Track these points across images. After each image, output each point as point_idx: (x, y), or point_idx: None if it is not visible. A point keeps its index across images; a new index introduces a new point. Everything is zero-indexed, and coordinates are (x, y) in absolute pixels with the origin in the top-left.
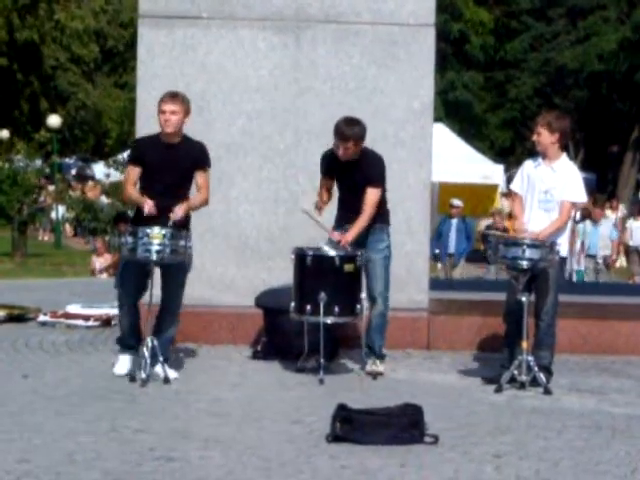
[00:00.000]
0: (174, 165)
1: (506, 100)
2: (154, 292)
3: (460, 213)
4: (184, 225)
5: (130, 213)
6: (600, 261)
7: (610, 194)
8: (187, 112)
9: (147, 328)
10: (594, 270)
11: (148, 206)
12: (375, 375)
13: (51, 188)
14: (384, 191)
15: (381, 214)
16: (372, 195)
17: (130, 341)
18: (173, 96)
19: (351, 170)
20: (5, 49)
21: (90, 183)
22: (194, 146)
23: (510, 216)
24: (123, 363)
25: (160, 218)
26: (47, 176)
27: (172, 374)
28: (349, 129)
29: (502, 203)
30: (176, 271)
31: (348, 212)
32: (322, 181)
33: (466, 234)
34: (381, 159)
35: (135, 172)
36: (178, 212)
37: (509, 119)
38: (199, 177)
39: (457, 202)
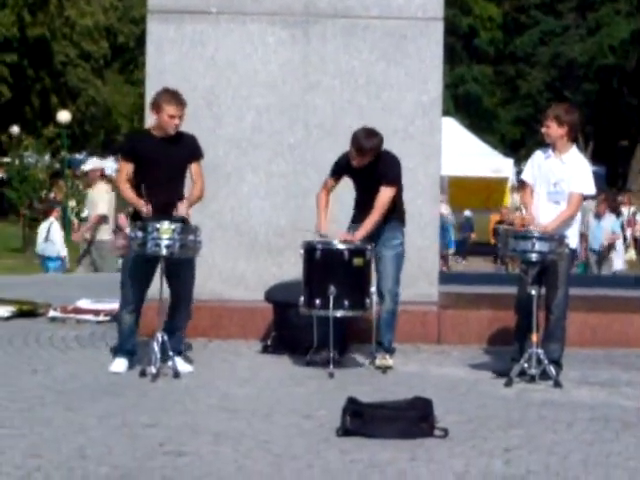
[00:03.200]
0: (169, 159)
1: (517, 96)
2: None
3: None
4: (184, 219)
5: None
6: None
7: (620, 188)
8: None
9: (158, 323)
10: (596, 263)
11: (146, 209)
12: (385, 369)
13: (61, 183)
14: (400, 191)
15: (396, 212)
16: (385, 194)
17: (129, 345)
18: (180, 101)
19: (368, 171)
20: (15, 45)
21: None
22: (187, 138)
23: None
24: (119, 363)
25: (160, 213)
26: (57, 172)
27: (187, 368)
28: (367, 142)
29: (512, 197)
30: (185, 266)
31: (363, 211)
32: (328, 181)
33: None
34: (397, 159)
35: (129, 168)
36: (182, 209)
37: (521, 116)
38: (194, 168)
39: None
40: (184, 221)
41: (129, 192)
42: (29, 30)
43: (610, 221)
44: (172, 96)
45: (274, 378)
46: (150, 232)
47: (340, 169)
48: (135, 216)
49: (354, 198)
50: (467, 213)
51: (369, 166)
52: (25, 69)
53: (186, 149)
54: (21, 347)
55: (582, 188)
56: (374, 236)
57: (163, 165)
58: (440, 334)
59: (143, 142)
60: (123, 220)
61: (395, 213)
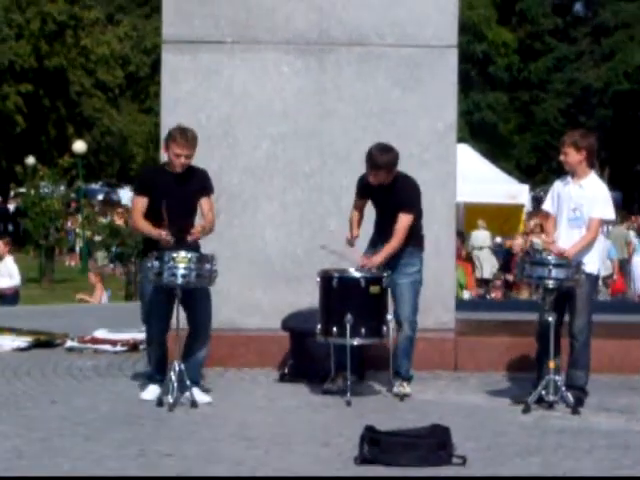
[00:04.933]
0: (181, 194)
1: (532, 122)
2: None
3: None
4: (195, 248)
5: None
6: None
7: (637, 213)
8: (195, 148)
9: (175, 352)
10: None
11: (165, 238)
12: (402, 397)
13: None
14: (419, 217)
15: (414, 238)
16: (403, 220)
17: (158, 376)
18: (187, 139)
19: (385, 194)
20: (31, 75)
21: (119, 210)
22: (198, 173)
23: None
24: (151, 390)
25: (172, 246)
26: (72, 201)
27: (205, 398)
28: (381, 157)
29: (528, 223)
30: (202, 295)
31: (382, 235)
32: (356, 201)
33: None
34: (416, 185)
35: (143, 202)
36: (196, 233)
37: (537, 143)
38: (204, 203)
39: None
40: (195, 246)
41: (145, 224)
42: (47, 60)
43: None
44: (180, 135)
45: (291, 406)
46: (166, 262)
47: (361, 187)
48: (147, 249)
49: (374, 220)
50: (498, 240)
51: (387, 188)
52: (41, 99)
53: (197, 184)
54: (39, 377)
55: (601, 213)
56: (391, 262)
57: (174, 200)
58: (457, 361)
59: (157, 177)
60: (92, 278)
61: (413, 239)
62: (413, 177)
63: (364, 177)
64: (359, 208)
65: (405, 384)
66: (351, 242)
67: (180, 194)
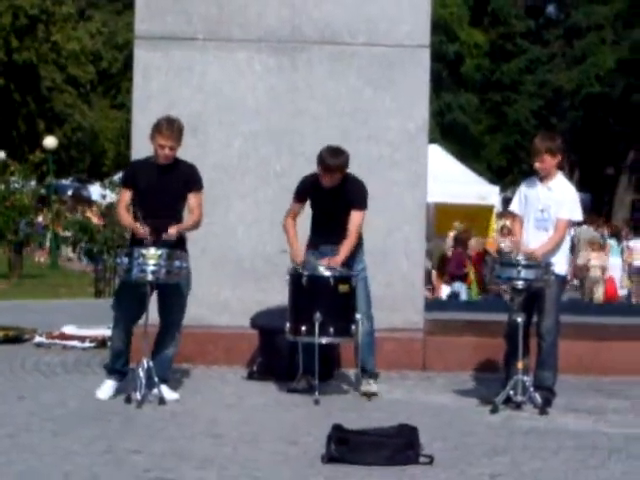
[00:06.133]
0: (166, 187)
1: (503, 123)
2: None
3: None
4: (178, 245)
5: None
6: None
7: (606, 216)
8: (181, 141)
9: (144, 349)
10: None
11: (143, 231)
12: (370, 396)
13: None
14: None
15: (359, 239)
16: (357, 218)
17: (117, 365)
18: (172, 130)
19: (333, 195)
20: (1, 69)
21: (94, 208)
22: (186, 168)
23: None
24: (106, 388)
25: (154, 239)
26: (43, 197)
27: (173, 395)
28: (334, 160)
29: (498, 224)
30: (172, 292)
31: (325, 235)
32: (294, 206)
33: None
34: (363, 183)
35: (127, 195)
36: (171, 232)
37: (508, 144)
38: (192, 198)
39: None
40: (175, 245)
41: (127, 218)
42: (17, 55)
43: None
44: (165, 126)
45: (260, 404)
46: (136, 257)
47: (306, 191)
48: (132, 242)
49: (312, 222)
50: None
51: (336, 188)
52: (12, 93)
53: (182, 178)
54: (7, 373)
55: (569, 214)
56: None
57: (158, 192)
58: (425, 361)
59: (143, 170)
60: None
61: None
62: (358, 176)
63: (311, 180)
64: (295, 215)
65: (372, 382)
66: (301, 262)
67: (162, 187)
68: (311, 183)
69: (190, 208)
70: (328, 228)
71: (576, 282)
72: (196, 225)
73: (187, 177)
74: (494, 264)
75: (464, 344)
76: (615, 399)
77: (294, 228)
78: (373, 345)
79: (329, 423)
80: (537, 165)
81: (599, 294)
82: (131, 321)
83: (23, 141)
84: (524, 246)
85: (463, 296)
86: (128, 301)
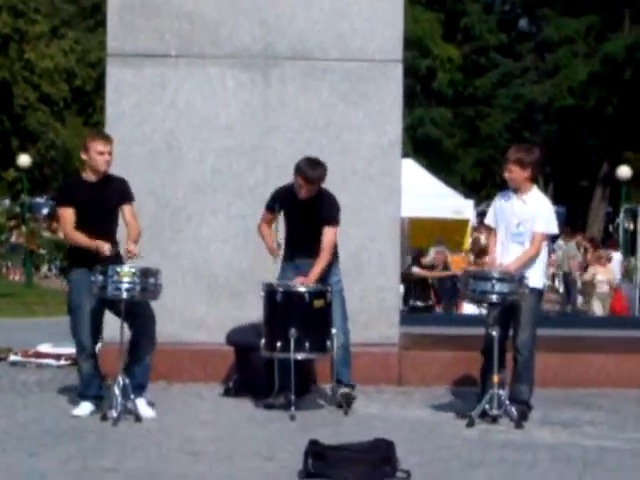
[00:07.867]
0: (106, 202)
1: (477, 138)
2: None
3: None
4: (115, 261)
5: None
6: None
7: (581, 228)
8: None
9: (119, 366)
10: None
11: (106, 248)
12: (348, 400)
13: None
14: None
15: (334, 252)
16: (330, 234)
17: (92, 391)
18: (107, 136)
19: (307, 208)
20: None
21: None
22: (119, 182)
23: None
24: (84, 407)
25: (93, 256)
26: (15, 215)
27: (149, 413)
28: (314, 172)
29: (473, 238)
30: (143, 307)
31: (299, 249)
32: (266, 216)
33: None
34: (336, 199)
35: (70, 213)
36: (133, 248)
37: (482, 158)
38: (127, 211)
39: None
40: (113, 260)
41: (81, 237)
42: None
43: None
44: (97, 133)
45: (236, 421)
46: (110, 275)
47: (280, 201)
48: (74, 260)
49: (286, 235)
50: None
51: (309, 202)
52: None
53: (116, 192)
54: None
55: (545, 227)
56: None
57: (94, 209)
58: (401, 375)
59: (77, 188)
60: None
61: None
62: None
63: (286, 191)
64: (269, 221)
65: (348, 389)
66: (276, 252)
67: (99, 203)
68: (285, 194)
69: (127, 220)
70: (303, 240)
71: (581, 299)
72: (139, 233)
73: (121, 190)
74: (468, 278)
75: (440, 358)
76: (590, 411)
77: (267, 229)
78: (349, 358)
79: (305, 438)
80: (505, 175)
81: (606, 309)
82: (95, 342)
83: None
84: (498, 260)
85: None
86: (93, 321)
